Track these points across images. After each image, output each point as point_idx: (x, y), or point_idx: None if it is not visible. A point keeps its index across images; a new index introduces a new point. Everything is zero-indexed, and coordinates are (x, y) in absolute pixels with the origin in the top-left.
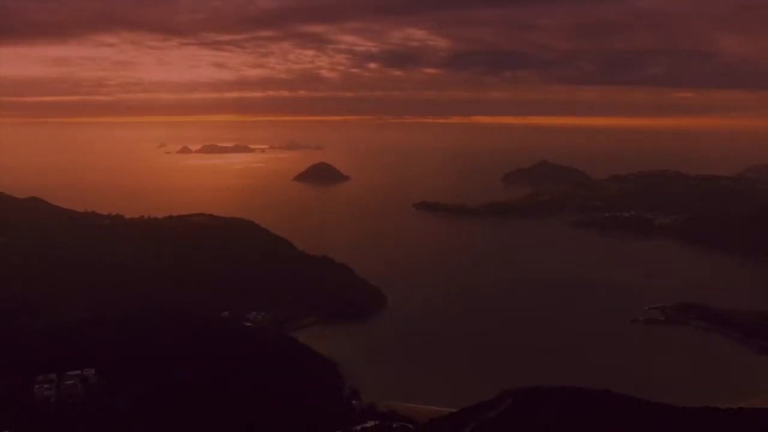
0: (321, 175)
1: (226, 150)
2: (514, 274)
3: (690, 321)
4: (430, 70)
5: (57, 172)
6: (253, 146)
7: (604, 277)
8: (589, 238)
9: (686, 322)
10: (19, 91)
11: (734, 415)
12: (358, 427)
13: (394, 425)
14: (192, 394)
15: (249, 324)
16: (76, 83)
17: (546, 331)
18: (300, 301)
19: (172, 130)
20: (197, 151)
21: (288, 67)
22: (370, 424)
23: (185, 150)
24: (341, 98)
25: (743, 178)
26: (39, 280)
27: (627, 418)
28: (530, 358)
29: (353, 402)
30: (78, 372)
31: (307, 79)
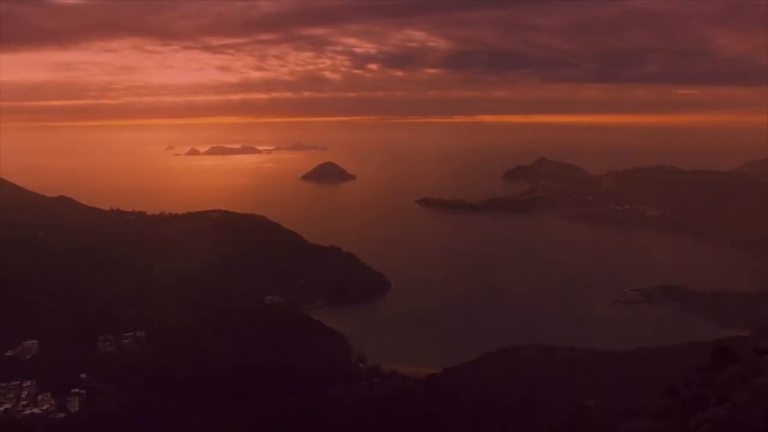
0: (327, 174)
1: (233, 151)
2: (508, 262)
3: (666, 300)
4: (432, 71)
5: (73, 173)
6: (259, 147)
7: (593, 264)
8: (583, 231)
9: (662, 302)
10: (28, 96)
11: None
12: (365, 383)
13: (396, 381)
14: (224, 355)
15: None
16: (83, 88)
17: (533, 311)
18: (311, 286)
19: (180, 132)
20: (205, 153)
21: (291, 69)
22: (374, 381)
23: (193, 152)
24: (344, 99)
25: (738, 173)
26: (88, 264)
27: (583, 362)
28: (515, 330)
29: (360, 365)
30: (132, 334)
31: (310, 80)
